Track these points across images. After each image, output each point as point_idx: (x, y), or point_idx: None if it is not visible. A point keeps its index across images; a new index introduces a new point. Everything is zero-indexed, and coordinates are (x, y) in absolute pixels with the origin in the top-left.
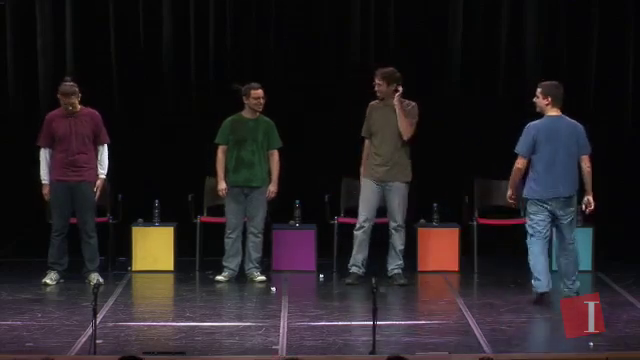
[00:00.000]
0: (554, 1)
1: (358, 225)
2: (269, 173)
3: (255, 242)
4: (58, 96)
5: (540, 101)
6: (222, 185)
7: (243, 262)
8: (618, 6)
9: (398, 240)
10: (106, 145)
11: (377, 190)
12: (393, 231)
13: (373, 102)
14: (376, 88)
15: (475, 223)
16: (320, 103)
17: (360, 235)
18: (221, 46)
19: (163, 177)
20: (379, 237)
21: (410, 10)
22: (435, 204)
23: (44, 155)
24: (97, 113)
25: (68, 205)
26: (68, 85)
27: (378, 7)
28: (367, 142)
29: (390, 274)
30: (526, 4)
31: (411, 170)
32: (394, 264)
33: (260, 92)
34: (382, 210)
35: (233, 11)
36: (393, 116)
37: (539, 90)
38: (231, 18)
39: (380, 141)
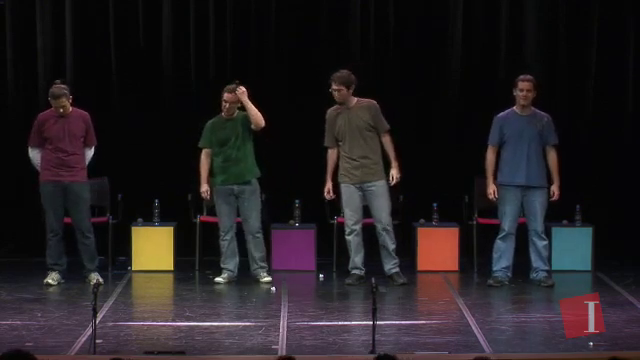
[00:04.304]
0: (554, 1)
1: (349, 230)
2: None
3: (255, 242)
4: (48, 99)
5: None
6: (204, 187)
7: (247, 263)
8: (618, 6)
9: (389, 240)
10: (93, 147)
11: (358, 192)
12: (383, 232)
13: (331, 109)
14: (335, 94)
15: (475, 223)
16: (320, 103)
17: (354, 238)
18: (221, 46)
19: (163, 177)
20: (367, 237)
21: (410, 10)
22: (435, 204)
23: (33, 154)
24: (87, 114)
25: (61, 205)
26: (56, 87)
27: (378, 7)
28: (330, 152)
29: (388, 274)
30: (526, 4)
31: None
32: (390, 264)
33: (228, 96)
34: (365, 210)
35: (233, 11)
36: (354, 117)
37: None
38: (231, 18)
39: (350, 145)
